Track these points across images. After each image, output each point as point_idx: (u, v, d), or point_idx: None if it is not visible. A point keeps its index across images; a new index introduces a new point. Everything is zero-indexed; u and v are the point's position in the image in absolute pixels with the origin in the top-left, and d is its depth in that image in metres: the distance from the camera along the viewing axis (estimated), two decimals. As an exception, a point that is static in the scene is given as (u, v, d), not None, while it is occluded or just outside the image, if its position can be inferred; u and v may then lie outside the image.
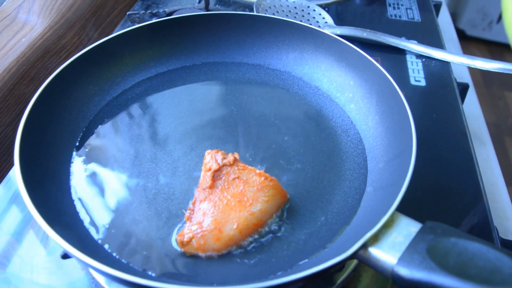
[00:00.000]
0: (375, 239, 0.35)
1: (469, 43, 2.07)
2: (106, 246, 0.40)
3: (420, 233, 0.35)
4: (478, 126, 0.68)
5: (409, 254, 0.34)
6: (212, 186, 0.40)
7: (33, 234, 0.47)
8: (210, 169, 0.40)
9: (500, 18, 1.98)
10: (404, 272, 0.33)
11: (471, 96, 0.72)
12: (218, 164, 0.40)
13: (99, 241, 0.40)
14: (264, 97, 0.56)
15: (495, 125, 0.65)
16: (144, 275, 0.38)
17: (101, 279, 0.43)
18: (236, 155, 0.41)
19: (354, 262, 0.45)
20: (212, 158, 0.41)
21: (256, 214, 0.39)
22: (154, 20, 0.58)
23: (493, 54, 2.02)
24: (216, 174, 0.40)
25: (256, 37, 0.60)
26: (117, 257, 0.39)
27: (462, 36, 0.79)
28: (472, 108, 0.71)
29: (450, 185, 0.52)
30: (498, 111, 1.75)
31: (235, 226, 0.38)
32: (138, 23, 0.58)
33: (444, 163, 0.55)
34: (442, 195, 0.51)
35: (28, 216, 0.49)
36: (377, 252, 0.35)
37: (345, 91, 0.56)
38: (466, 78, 0.74)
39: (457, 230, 0.35)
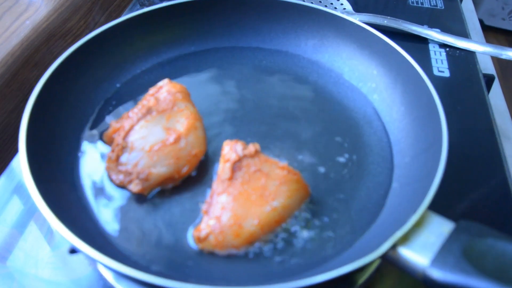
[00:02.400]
0: (405, 239, 0.33)
1: (487, 33, 2.01)
2: (116, 242, 0.38)
3: (453, 233, 0.33)
4: (503, 120, 0.65)
5: (442, 255, 0.31)
6: (231, 178, 0.37)
7: (36, 228, 0.45)
8: (229, 160, 0.38)
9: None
10: (438, 274, 0.31)
11: (496, 89, 0.69)
12: (238, 155, 0.38)
13: (108, 236, 0.38)
14: (282, 85, 0.54)
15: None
16: (155, 272, 0.35)
17: (109, 276, 0.41)
18: (257, 146, 0.38)
19: (377, 262, 0.42)
20: (231, 149, 0.38)
21: (278, 209, 0.37)
22: (164, 4, 0.55)
23: (512, 45, 1.98)
24: (236, 166, 0.37)
25: (273, 21, 0.57)
26: (128, 253, 0.37)
27: (480, 26, 0.77)
28: (497, 101, 0.68)
29: (477, 182, 0.50)
30: (516, 104, 1.71)
31: (256, 222, 0.36)
32: (147, 7, 0.55)
33: (470, 158, 0.52)
34: (468, 192, 0.49)
35: (31, 209, 0.47)
36: (407, 253, 0.32)
37: (368, 80, 0.53)
38: (490, 69, 0.71)
39: (494, 231, 0.33)
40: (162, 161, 0.40)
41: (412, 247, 0.33)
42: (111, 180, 0.41)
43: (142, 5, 0.73)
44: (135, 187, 0.40)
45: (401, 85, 0.49)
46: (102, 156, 0.44)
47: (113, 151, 0.41)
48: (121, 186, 0.41)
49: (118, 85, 0.52)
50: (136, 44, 0.55)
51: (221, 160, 0.39)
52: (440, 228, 0.33)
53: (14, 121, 0.56)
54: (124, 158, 0.41)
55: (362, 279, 0.41)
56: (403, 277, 0.42)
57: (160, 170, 0.40)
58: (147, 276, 0.30)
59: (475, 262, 0.30)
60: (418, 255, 0.32)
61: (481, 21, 1.99)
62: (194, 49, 0.57)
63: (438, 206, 0.36)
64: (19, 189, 0.49)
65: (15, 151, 0.55)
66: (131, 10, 0.74)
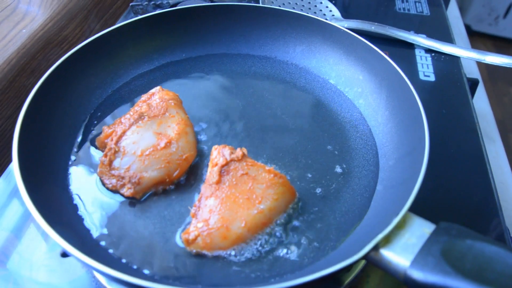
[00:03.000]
0: (387, 240, 0.34)
1: (475, 38, 2.04)
2: (107, 245, 0.39)
3: (434, 234, 0.34)
4: (487, 122, 0.67)
5: (422, 256, 0.32)
6: (219, 182, 0.38)
7: (34, 229, 0.46)
8: (217, 164, 0.39)
9: (507, 12, 1.96)
10: (418, 275, 0.31)
11: (480, 92, 0.71)
12: (226, 159, 0.39)
13: (100, 240, 0.39)
14: (270, 90, 0.55)
15: (500, 122, 0.63)
16: (145, 275, 0.37)
17: (102, 278, 0.42)
18: (244, 150, 0.40)
19: (363, 262, 0.43)
20: (219, 154, 0.39)
21: (265, 212, 0.38)
22: (157, 11, 0.57)
23: (499, 50, 1.99)
24: (224, 170, 0.39)
25: (262, 29, 0.59)
26: (118, 256, 0.38)
27: (468, 31, 0.79)
28: (481, 104, 0.69)
29: (461, 184, 0.51)
30: (504, 107, 1.73)
31: (243, 224, 0.37)
32: (141, 15, 0.57)
33: (454, 161, 0.53)
34: (451, 194, 0.50)
35: (28, 211, 0.47)
36: (389, 254, 0.33)
37: (354, 85, 0.54)
38: (475, 73, 0.73)
39: (472, 232, 0.34)
40: (154, 165, 0.41)
41: (394, 249, 0.33)
42: (104, 184, 0.42)
43: (136, 13, 0.74)
44: (127, 191, 0.41)
45: (386, 90, 0.50)
46: (94, 161, 0.45)
47: (105, 155, 0.42)
48: (114, 190, 0.42)
49: (110, 91, 0.54)
50: (129, 51, 0.56)
51: (210, 164, 0.40)
52: (421, 230, 0.34)
53: (11, 127, 0.57)
54: (116, 162, 0.42)
55: (348, 279, 0.42)
56: (388, 278, 0.44)
57: (151, 174, 0.41)
58: (136, 279, 0.31)
59: (454, 263, 0.31)
60: (399, 256, 0.33)
61: (469, 27, 2.02)
62: (185, 56, 0.59)
63: (422, 207, 0.37)
64: (17, 192, 0.49)
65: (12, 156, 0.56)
66: (126, 18, 0.75)
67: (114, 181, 0.41)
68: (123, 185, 0.41)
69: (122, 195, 0.42)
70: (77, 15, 0.68)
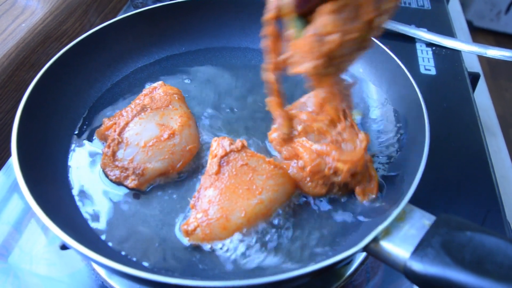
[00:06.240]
0: (386, 232, 0.34)
1: (476, 34, 2.04)
2: (107, 238, 0.39)
3: (433, 226, 0.34)
4: (488, 116, 0.67)
5: (422, 248, 0.32)
6: (218, 172, 0.38)
7: (34, 223, 0.46)
8: (216, 156, 0.39)
9: (508, 8, 1.95)
10: (418, 266, 0.31)
11: (481, 87, 0.70)
12: (225, 150, 0.39)
13: (99, 232, 0.39)
14: (270, 84, 0.55)
15: (501, 117, 0.63)
16: (144, 268, 0.37)
17: (101, 271, 0.42)
18: (244, 141, 0.40)
19: (363, 254, 0.43)
20: (218, 145, 0.39)
21: (265, 202, 0.38)
22: (157, 5, 0.56)
23: (501, 45, 1.98)
24: (223, 160, 0.39)
25: (262, 22, 0.58)
26: (118, 249, 0.38)
27: (469, 27, 0.79)
28: (482, 98, 0.69)
29: (462, 177, 0.51)
30: (505, 102, 1.73)
31: (242, 215, 0.37)
32: (141, 8, 0.56)
33: (455, 155, 0.53)
34: (452, 187, 0.50)
35: (29, 205, 0.48)
36: (388, 246, 0.33)
37: (354, 78, 0.54)
38: (476, 67, 0.72)
39: (472, 224, 0.34)
40: (157, 156, 0.42)
41: (394, 240, 0.33)
42: (107, 176, 0.42)
43: (136, 7, 0.74)
44: (131, 182, 0.41)
45: (386, 83, 0.50)
46: (94, 153, 0.45)
47: (108, 146, 0.42)
48: (117, 181, 0.42)
49: (110, 85, 0.54)
50: (128, 45, 0.56)
51: (210, 156, 0.40)
52: (421, 222, 0.34)
53: (10, 121, 0.57)
54: (119, 154, 0.42)
55: (348, 272, 0.43)
56: (388, 270, 0.43)
57: (155, 165, 0.41)
58: (136, 271, 0.31)
59: (454, 255, 0.31)
60: (399, 248, 0.33)
61: (470, 23, 2.01)
62: (184, 49, 0.59)
63: (422, 201, 0.37)
64: (17, 186, 0.49)
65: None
66: (126, 12, 0.75)
67: (117, 172, 0.41)
68: (127, 177, 0.41)
69: (126, 186, 0.42)
70: (76, 9, 0.68)
